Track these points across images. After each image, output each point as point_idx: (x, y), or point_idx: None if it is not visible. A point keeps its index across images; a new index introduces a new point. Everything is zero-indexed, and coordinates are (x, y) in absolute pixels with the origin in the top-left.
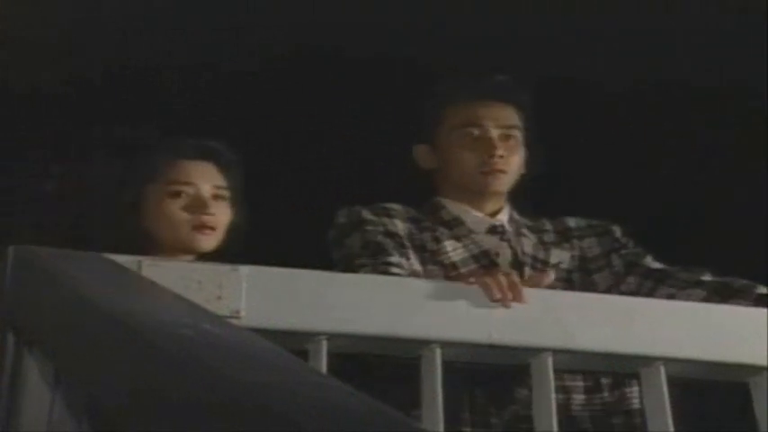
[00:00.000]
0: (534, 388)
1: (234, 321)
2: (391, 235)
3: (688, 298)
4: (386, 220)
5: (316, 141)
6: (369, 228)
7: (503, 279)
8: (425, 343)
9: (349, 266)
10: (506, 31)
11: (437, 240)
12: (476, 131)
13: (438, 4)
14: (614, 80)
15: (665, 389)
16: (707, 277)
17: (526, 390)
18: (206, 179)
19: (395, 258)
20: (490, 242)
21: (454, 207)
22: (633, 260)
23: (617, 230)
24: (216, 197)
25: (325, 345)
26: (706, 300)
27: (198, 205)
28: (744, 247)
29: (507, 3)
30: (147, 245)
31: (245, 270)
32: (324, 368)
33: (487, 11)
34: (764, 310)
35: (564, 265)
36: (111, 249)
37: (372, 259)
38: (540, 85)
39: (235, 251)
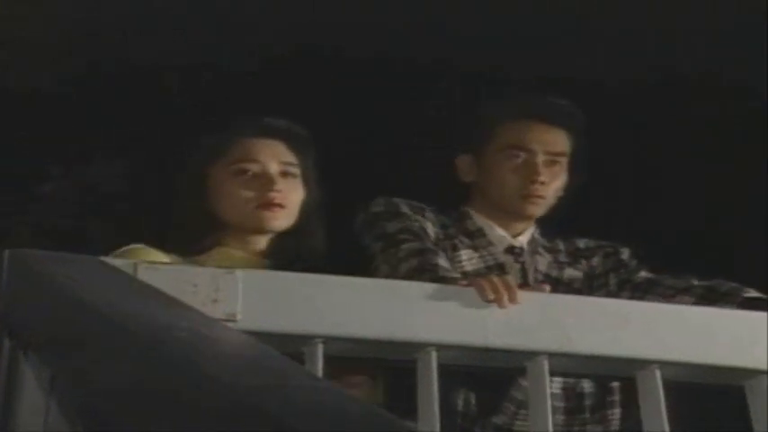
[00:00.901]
0: (530, 391)
1: (230, 324)
2: (426, 233)
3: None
4: (421, 218)
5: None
6: (407, 222)
7: (497, 280)
8: (421, 346)
9: (388, 243)
10: (506, 30)
11: (455, 248)
12: (522, 155)
13: (437, 3)
14: (614, 80)
15: (660, 392)
16: (693, 283)
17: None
18: (273, 156)
19: (441, 260)
20: (506, 260)
21: (480, 220)
22: (626, 278)
23: (625, 252)
24: (284, 174)
25: (321, 348)
26: (695, 305)
27: (264, 182)
28: (743, 247)
29: (507, 3)
30: (215, 227)
31: (240, 273)
32: (320, 371)
33: (487, 11)
34: (762, 313)
35: (577, 285)
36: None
37: (418, 242)
38: (540, 85)
39: (309, 231)
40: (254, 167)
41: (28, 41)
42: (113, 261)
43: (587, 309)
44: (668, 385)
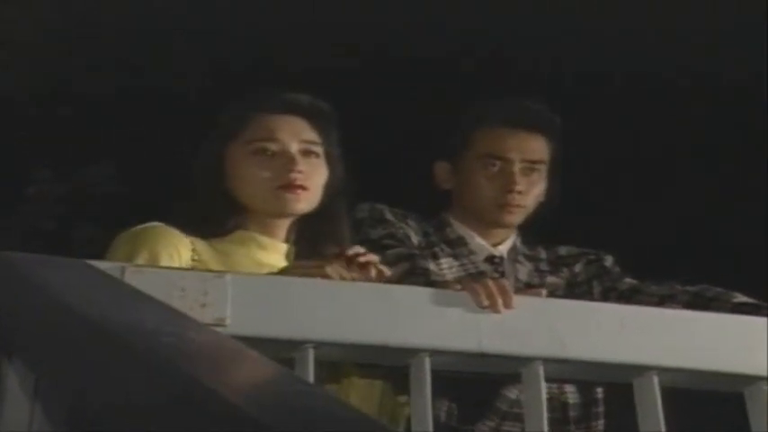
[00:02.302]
0: (525, 397)
1: (219, 329)
2: (410, 240)
3: None
4: (404, 226)
5: None
6: (391, 228)
7: (492, 284)
8: (414, 352)
9: (373, 249)
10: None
11: (436, 256)
12: (498, 163)
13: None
14: (613, 80)
15: (658, 399)
16: (678, 288)
17: (498, 414)
18: (293, 134)
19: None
20: (486, 269)
21: (460, 228)
22: (610, 285)
23: (608, 259)
24: (306, 153)
25: (311, 353)
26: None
27: (284, 162)
28: (744, 248)
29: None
30: (234, 210)
31: (230, 277)
32: (311, 377)
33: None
34: (762, 318)
35: (559, 292)
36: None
37: (404, 247)
38: (538, 86)
39: (333, 214)
40: (273, 146)
41: (12, 42)
42: (100, 264)
43: (583, 314)
44: (665, 392)
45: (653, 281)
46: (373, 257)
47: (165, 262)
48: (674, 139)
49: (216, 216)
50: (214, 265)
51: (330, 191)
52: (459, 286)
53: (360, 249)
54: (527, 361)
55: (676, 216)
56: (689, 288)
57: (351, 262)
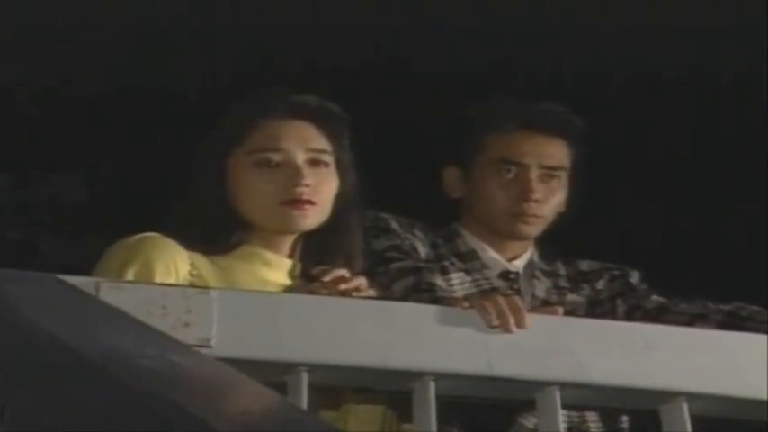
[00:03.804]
0: (541, 426)
1: (204, 351)
2: (416, 252)
3: None
4: (410, 236)
5: None
6: (396, 240)
7: (502, 302)
8: (417, 375)
9: (376, 261)
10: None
11: (445, 271)
12: (513, 169)
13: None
14: (612, 80)
15: (688, 428)
16: (710, 307)
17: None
18: (299, 142)
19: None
20: (500, 285)
21: (471, 240)
22: (635, 303)
23: (634, 275)
24: (314, 163)
25: (305, 377)
26: None
27: (289, 174)
28: (743, 248)
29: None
30: (238, 224)
31: (215, 293)
32: (304, 403)
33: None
34: None
35: (580, 312)
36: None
37: (410, 260)
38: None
39: (345, 227)
40: (276, 157)
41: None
42: (72, 279)
43: (605, 334)
44: (695, 420)
45: (682, 298)
46: (356, 284)
47: (160, 274)
48: (673, 139)
49: (217, 230)
50: (214, 282)
51: (341, 202)
52: (467, 304)
53: (342, 273)
54: (542, 385)
55: (677, 216)
56: (722, 306)
57: (330, 287)
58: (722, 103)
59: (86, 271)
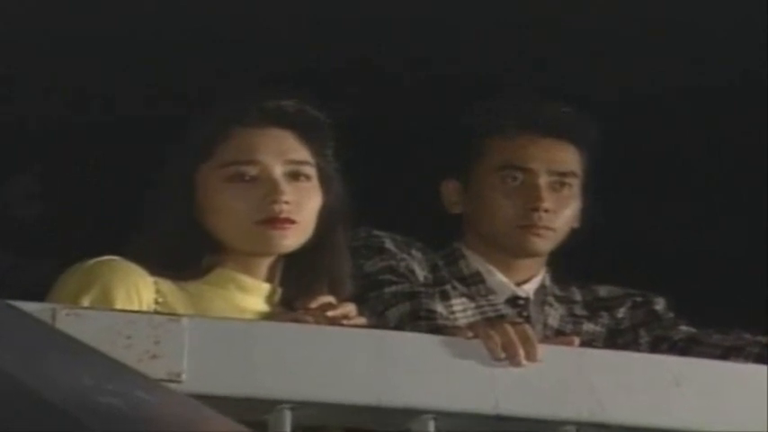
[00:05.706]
0: None
1: (173, 386)
2: (414, 275)
3: None
4: (407, 257)
5: None
6: (391, 261)
7: (511, 331)
8: (415, 413)
9: (369, 285)
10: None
11: (446, 296)
12: (520, 176)
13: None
14: (611, 80)
15: None
16: (746, 338)
17: None
18: (277, 153)
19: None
20: (508, 312)
21: (476, 261)
22: (661, 334)
23: (659, 303)
24: (294, 176)
25: (288, 416)
26: None
27: (266, 191)
28: (743, 249)
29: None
30: (208, 245)
31: (187, 321)
32: None
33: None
34: None
35: (598, 344)
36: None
37: (406, 284)
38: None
39: (330, 245)
40: (252, 170)
41: None
42: (25, 306)
43: (627, 368)
44: None
45: (715, 328)
46: (344, 311)
47: (120, 302)
48: (673, 139)
49: (186, 253)
50: (182, 310)
51: (325, 219)
52: (470, 333)
53: (329, 300)
54: (556, 425)
55: (676, 216)
56: (761, 338)
57: (315, 314)
58: (722, 103)
59: (41, 296)
